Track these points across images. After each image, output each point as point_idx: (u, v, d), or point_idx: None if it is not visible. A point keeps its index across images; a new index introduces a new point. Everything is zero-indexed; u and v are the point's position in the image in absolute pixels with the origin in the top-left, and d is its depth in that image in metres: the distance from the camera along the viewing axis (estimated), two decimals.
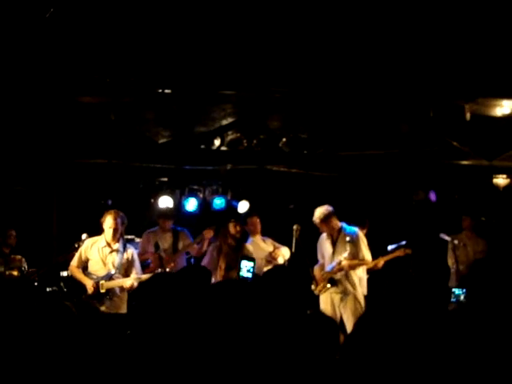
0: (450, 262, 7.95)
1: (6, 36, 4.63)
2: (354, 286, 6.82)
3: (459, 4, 4.72)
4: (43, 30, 4.54)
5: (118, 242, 6.34)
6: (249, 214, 7.70)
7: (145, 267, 6.94)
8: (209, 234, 7.15)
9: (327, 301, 6.87)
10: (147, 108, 6.31)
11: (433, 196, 8.49)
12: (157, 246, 6.90)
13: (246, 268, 5.32)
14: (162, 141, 7.01)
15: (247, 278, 5.24)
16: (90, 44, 4.91)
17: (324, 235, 7.09)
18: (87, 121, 6.45)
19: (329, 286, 6.79)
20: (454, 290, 6.21)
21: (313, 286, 6.82)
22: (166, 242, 7.22)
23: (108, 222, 6.30)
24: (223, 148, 7.27)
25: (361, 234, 6.97)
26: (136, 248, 6.94)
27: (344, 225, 6.97)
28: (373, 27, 4.97)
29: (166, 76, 5.50)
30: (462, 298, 5.96)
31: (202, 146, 7.22)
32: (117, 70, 5.31)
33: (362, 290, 6.91)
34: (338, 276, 6.81)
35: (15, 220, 7.49)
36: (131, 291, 6.11)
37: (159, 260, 6.82)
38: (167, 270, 6.73)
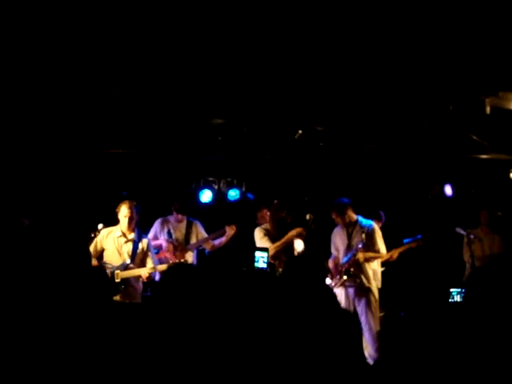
0: (466, 256, 7.90)
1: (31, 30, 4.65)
2: (368, 279, 6.82)
3: None
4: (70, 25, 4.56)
5: (133, 231, 6.35)
6: (258, 207, 7.68)
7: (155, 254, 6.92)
8: (232, 230, 7.13)
9: (342, 293, 6.87)
10: (164, 99, 6.30)
11: (449, 190, 8.44)
12: (169, 234, 6.90)
13: (261, 259, 5.36)
14: (179, 132, 7.02)
15: (263, 268, 5.28)
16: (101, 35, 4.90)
17: (338, 228, 7.09)
18: (105, 111, 6.46)
19: (345, 277, 6.79)
20: (451, 290, 5.90)
21: (328, 280, 6.81)
22: (179, 231, 7.21)
23: (123, 211, 6.32)
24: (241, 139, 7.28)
25: (376, 227, 6.99)
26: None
27: (360, 218, 6.98)
28: (392, 19, 4.92)
29: (184, 69, 5.50)
30: (458, 298, 5.68)
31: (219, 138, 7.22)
32: (134, 61, 5.32)
33: (376, 283, 6.91)
34: (353, 269, 6.80)
35: (32, 210, 7.52)
36: (146, 281, 6.16)
37: (173, 248, 6.85)
38: (181, 261, 6.75)
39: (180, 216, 7.27)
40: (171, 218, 7.31)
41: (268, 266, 5.39)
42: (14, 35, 4.76)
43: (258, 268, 5.36)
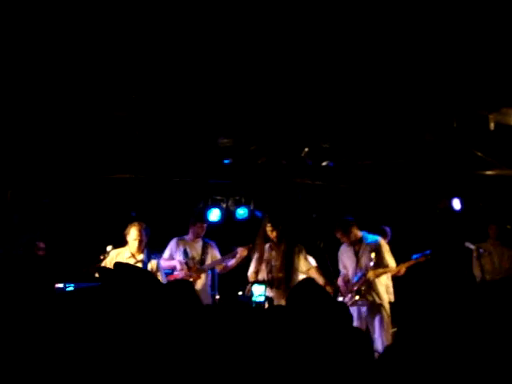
0: (476, 270, 7.87)
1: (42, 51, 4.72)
2: (379, 295, 6.80)
3: (482, 14, 4.68)
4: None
5: (142, 252, 6.38)
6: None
7: (168, 275, 6.95)
8: (244, 252, 7.12)
9: (353, 313, 6.84)
10: (170, 123, 6.36)
11: (458, 204, 8.42)
12: (186, 253, 6.90)
13: (258, 292, 5.39)
14: (186, 155, 7.05)
15: (260, 302, 5.32)
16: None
17: (345, 245, 7.08)
18: (113, 136, 6.52)
19: (357, 298, 6.77)
20: None
21: (339, 298, 6.81)
22: (195, 250, 7.21)
23: (132, 234, 6.36)
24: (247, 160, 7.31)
25: (382, 242, 6.97)
26: (159, 257, 6.95)
27: (365, 234, 6.98)
28: (395, 36, 4.96)
29: (189, 90, 5.55)
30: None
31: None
32: (139, 84, 5.38)
33: (389, 296, 6.89)
34: (364, 288, 6.79)
35: (43, 232, 7.60)
36: None
37: (187, 269, 6.86)
38: (191, 280, 6.77)
39: (199, 230, 7.26)
40: (187, 238, 7.32)
41: (266, 299, 5.42)
42: (19, 57, 4.83)
43: (254, 302, 5.39)
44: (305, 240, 7.44)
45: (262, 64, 5.21)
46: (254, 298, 5.34)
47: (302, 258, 6.83)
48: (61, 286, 4.66)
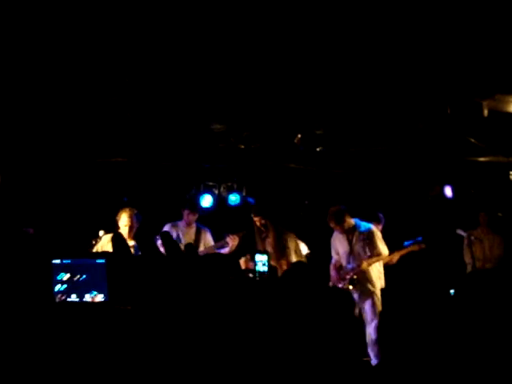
0: (467, 258, 7.90)
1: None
2: (372, 282, 6.82)
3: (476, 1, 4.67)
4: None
5: (133, 239, 6.34)
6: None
7: None
8: (234, 240, 7.07)
9: None
10: (164, 107, 6.33)
11: (449, 191, 8.44)
12: (178, 239, 6.85)
13: (261, 262, 5.29)
14: (179, 139, 7.03)
15: (264, 271, 5.23)
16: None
17: (338, 232, 7.07)
18: (106, 120, 6.48)
19: (351, 287, 6.78)
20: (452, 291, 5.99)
21: (330, 284, 6.82)
22: (188, 236, 7.15)
23: (123, 219, 6.31)
24: (240, 146, 7.28)
25: (375, 229, 6.97)
26: None
27: (358, 221, 6.97)
28: (389, 24, 4.94)
29: (183, 75, 5.52)
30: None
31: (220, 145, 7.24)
32: (133, 68, 5.34)
33: (380, 283, 6.92)
34: (357, 276, 6.81)
35: (35, 218, 7.54)
36: None
37: None
38: None
39: (190, 217, 7.21)
40: (180, 224, 7.27)
41: (269, 269, 5.33)
42: (14, 44, 4.79)
43: (258, 271, 5.30)
44: (297, 226, 7.46)
45: (256, 50, 5.17)
46: (257, 268, 5.26)
47: (292, 248, 6.79)
48: (57, 261, 4.60)
